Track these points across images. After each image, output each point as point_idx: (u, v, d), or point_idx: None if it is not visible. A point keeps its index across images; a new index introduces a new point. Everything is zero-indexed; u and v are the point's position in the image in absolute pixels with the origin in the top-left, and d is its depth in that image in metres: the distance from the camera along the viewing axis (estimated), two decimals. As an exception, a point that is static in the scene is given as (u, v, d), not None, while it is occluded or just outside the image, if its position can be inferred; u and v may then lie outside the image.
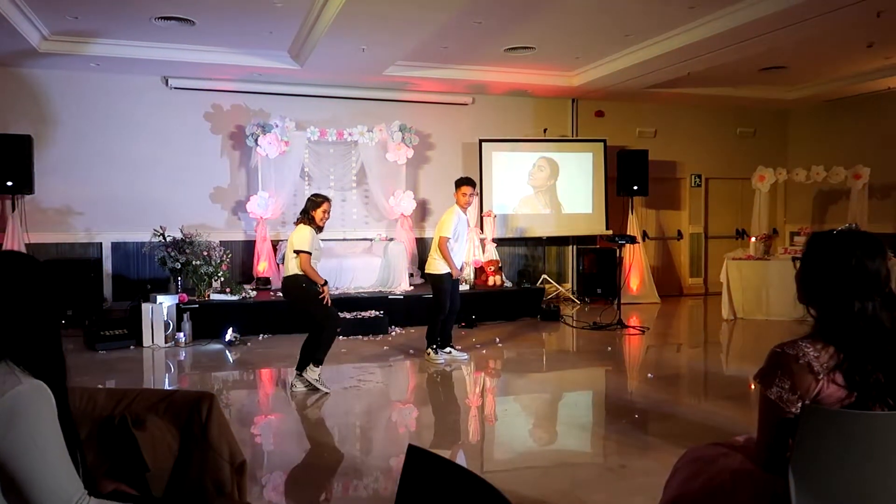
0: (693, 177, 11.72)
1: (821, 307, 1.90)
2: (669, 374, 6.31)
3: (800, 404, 1.79)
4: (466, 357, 6.72)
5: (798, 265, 2.01)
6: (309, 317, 5.51)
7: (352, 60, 8.03)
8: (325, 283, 5.46)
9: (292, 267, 5.39)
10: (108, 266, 8.81)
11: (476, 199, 9.80)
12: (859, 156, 10.09)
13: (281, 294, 6.25)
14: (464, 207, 6.58)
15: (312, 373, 5.41)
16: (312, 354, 5.42)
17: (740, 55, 8.07)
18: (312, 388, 5.42)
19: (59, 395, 1.55)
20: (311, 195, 5.69)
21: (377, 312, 8.09)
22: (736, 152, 11.74)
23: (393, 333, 8.01)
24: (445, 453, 4.21)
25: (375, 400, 5.52)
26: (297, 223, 5.55)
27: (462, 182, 6.61)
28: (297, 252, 5.34)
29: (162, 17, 7.01)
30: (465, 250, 6.73)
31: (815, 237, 1.99)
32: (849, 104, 10.80)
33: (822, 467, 1.78)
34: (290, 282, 5.45)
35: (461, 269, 6.70)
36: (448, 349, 6.67)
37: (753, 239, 9.48)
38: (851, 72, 9.59)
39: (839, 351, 1.81)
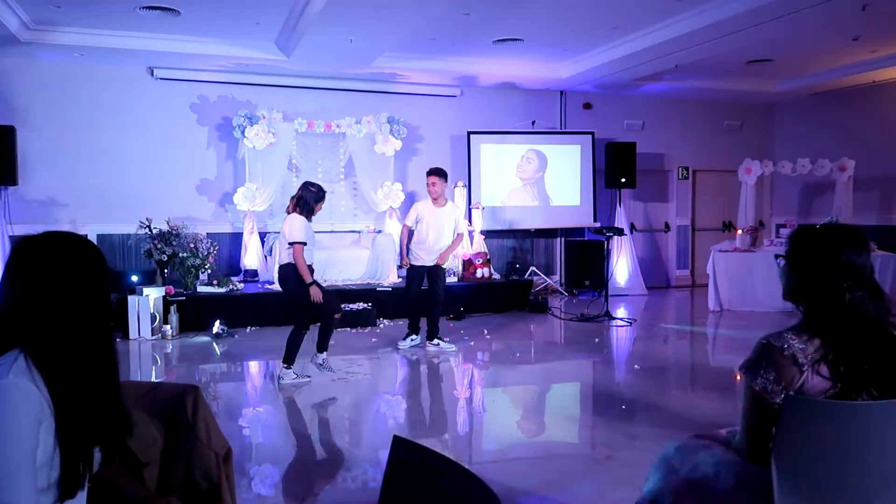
0: (680, 169, 11.77)
1: (809, 302, 1.91)
2: (656, 366, 6.35)
3: (783, 396, 1.81)
4: (455, 348, 6.73)
5: (782, 263, 2.01)
6: (301, 308, 5.40)
7: (339, 51, 7.98)
8: (313, 283, 5.23)
9: (286, 256, 5.27)
10: (93, 258, 8.73)
11: (464, 191, 9.88)
12: (844, 148, 10.16)
13: (276, 285, 6.01)
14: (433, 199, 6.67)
15: (318, 358, 5.50)
16: (291, 349, 5.43)
17: (727, 48, 8.09)
18: (323, 369, 5.55)
19: (70, 403, 1.45)
20: (313, 185, 5.42)
21: (365, 305, 8.08)
22: (723, 145, 11.80)
23: (381, 326, 8.01)
24: (434, 444, 4.22)
25: (364, 392, 5.53)
26: (290, 211, 5.35)
27: (428, 172, 6.70)
28: (292, 243, 5.18)
29: (147, 7, 6.93)
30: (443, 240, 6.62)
31: (799, 233, 1.99)
32: (834, 97, 10.87)
33: (804, 456, 1.80)
34: (286, 271, 5.32)
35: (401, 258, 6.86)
36: (436, 341, 6.68)
37: (740, 231, 9.54)
38: (837, 65, 9.65)
39: (825, 343, 1.82)
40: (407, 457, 1.43)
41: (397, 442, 1.45)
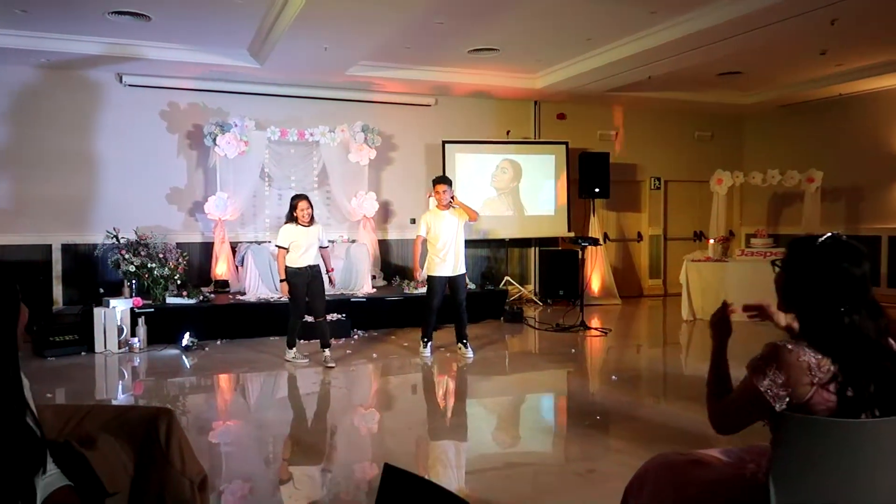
0: (652, 179, 11.89)
1: (806, 315, 1.88)
2: (633, 376, 6.35)
3: (787, 401, 1.76)
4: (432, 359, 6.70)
5: (778, 271, 1.97)
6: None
7: (314, 59, 7.90)
8: (283, 280, 6.33)
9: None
10: (57, 269, 8.49)
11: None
12: (812, 160, 10.36)
13: (248, 295, 7.12)
14: (442, 206, 6.75)
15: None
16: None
17: (699, 60, 8.19)
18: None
19: None
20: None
21: (339, 315, 7.97)
22: (694, 156, 11.94)
23: (356, 337, 7.91)
24: (410, 458, 4.15)
25: (338, 405, 5.43)
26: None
27: (434, 181, 6.93)
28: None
29: (116, 12, 6.78)
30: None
31: (799, 244, 1.95)
32: (802, 110, 11.09)
33: (804, 476, 1.76)
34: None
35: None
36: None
37: (712, 241, 9.64)
38: (805, 78, 9.84)
39: (835, 363, 1.77)
40: (398, 485, 1.37)
41: (388, 470, 1.38)
